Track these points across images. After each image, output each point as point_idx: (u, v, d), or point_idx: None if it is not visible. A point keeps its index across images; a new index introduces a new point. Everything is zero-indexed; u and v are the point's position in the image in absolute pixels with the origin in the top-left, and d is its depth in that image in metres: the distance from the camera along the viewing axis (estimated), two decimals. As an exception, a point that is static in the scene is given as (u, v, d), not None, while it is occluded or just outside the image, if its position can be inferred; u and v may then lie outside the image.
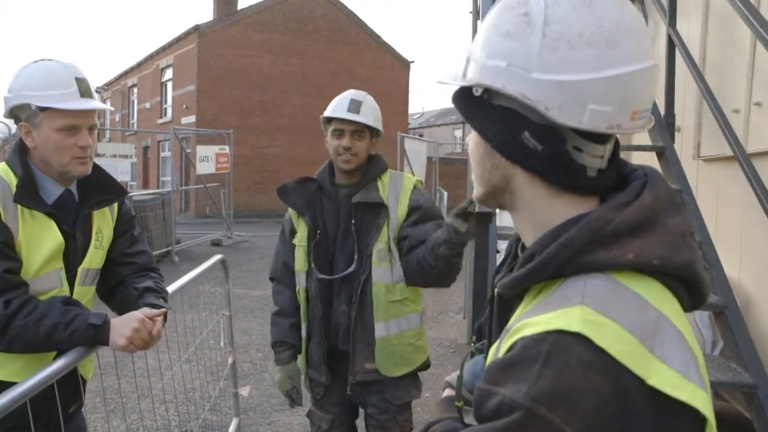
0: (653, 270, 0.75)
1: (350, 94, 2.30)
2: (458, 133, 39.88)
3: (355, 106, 2.24)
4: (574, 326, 0.68)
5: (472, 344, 1.14)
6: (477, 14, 5.61)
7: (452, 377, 1.14)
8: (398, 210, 2.27)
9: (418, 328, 2.33)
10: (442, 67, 0.95)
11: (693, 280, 0.78)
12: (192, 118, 21.99)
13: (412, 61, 26.96)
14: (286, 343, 2.38)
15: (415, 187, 2.34)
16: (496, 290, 0.91)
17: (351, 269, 2.23)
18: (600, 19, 0.75)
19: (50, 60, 1.80)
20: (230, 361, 3.61)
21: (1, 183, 1.73)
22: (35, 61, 1.80)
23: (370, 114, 2.26)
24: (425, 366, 2.41)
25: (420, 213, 2.26)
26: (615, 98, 0.76)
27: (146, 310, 1.82)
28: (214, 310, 4.04)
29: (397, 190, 2.30)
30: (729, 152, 2.78)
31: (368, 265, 2.23)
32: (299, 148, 23.70)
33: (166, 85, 25.58)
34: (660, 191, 0.79)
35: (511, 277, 0.81)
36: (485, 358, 0.92)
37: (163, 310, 1.86)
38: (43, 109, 1.72)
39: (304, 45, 23.97)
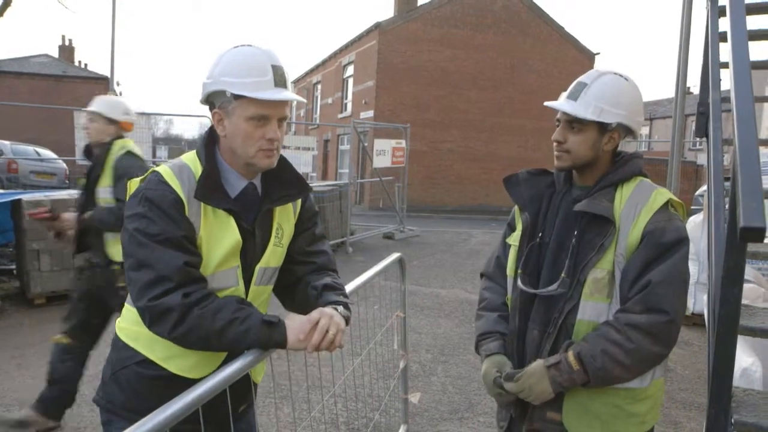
0: None
1: (586, 74, 1.87)
2: (645, 130, 37.01)
3: (576, 90, 1.82)
4: None
5: None
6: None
7: None
8: (631, 232, 1.74)
9: (637, 390, 1.77)
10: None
11: None
12: (370, 113, 22.73)
13: (597, 53, 25.34)
14: (494, 332, 2.00)
15: (665, 206, 1.77)
16: None
17: (553, 289, 1.81)
18: None
19: (250, 45, 1.68)
20: (402, 365, 3.46)
21: (188, 174, 1.67)
22: (236, 46, 1.69)
23: (594, 101, 1.78)
24: None
25: (650, 247, 1.71)
26: None
27: (330, 312, 1.67)
28: (385, 305, 3.93)
29: (638, 207, 1.77)
30: None
31: (578, 293, 1.78)
32: (473, 144, 23.55)
33: (347, 81, 26.75)
34: None
35: None
36: None
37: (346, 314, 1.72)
38: (237, 97, 1.62)
39: (482, 39, 23.65)
